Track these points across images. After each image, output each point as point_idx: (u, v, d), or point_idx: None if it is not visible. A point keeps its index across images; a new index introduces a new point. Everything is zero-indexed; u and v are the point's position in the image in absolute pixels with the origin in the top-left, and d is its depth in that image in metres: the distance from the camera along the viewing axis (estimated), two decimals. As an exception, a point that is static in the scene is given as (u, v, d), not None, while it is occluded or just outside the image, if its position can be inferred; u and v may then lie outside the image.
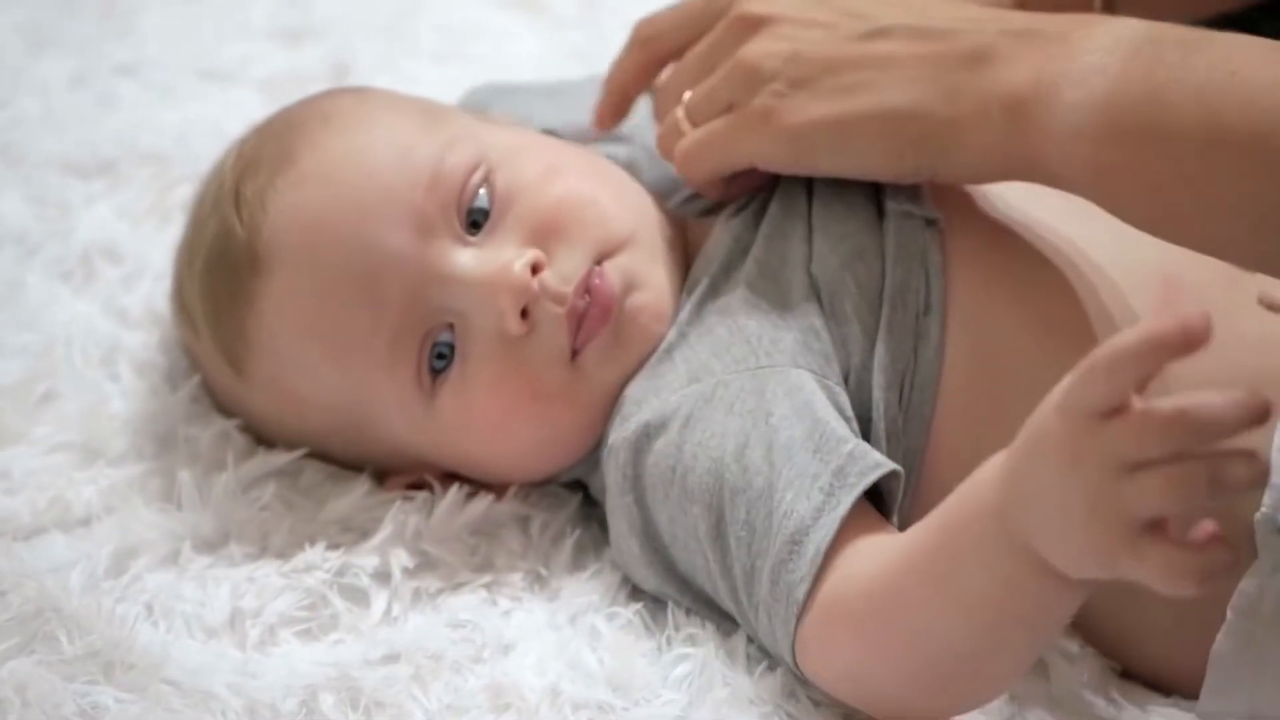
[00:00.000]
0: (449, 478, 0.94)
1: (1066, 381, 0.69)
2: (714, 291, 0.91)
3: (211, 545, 0.91)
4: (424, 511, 0.91)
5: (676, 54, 0.96)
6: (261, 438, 0.96)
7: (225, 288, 0.92)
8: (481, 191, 0.90)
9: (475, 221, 0.90)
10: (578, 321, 0.89)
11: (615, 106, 0.99)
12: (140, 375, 1.00)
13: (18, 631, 0.84)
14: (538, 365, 0.89)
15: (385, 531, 0.90)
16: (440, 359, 0.90)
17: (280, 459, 0.95)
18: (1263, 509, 0.82)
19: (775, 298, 0.88)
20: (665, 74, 0.97)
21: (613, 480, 0.88)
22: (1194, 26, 0.83)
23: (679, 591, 0.87)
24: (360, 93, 0.99)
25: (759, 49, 0.89)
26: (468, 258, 0.89)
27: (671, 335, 0.90)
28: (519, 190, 0.91)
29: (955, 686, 0.78)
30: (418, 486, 0.94)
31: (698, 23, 0.94)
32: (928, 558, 0.76)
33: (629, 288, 0.90)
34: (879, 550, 0.79)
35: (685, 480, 0.85)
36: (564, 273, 0.89)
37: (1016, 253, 0.89)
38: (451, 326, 0.89)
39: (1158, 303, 0.87)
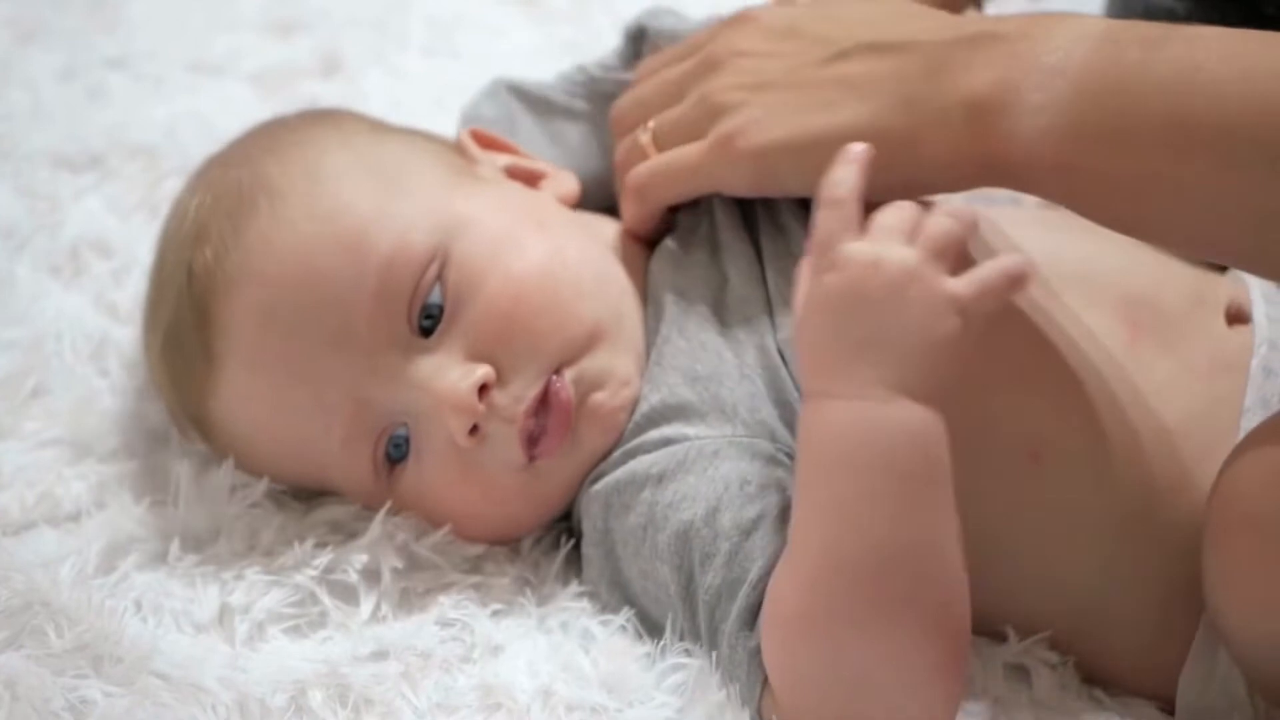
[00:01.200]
0: None
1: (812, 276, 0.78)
2: (668, 345, 0.89)
3: (201, 543, 0.91)
4: (414, 531, 0.90)
5: None
6: None
7: (184, 371, 0.91)
8: (434, 292, 0.88)
9: (430, 314, 0.88)
10: (529, 436, 0.87)
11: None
12: (130, 370, 1.00)
13: (6, 625, 0.84)
14: (491, 473, 0.88)
15: (374, 533, 0.89)
16: (397, 448, 0.89)
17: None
18: None
19: (744, 365, 0.87)
20: (625, 99, 0.97)
21: (587, 530, 0.89)
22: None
23: (652, 630, 0.87)
24: (317, 151, 0.91)
25: (724, 81, 0.89)
26: (420, 369, 0.87)
27: (640, 418, 0.88)
28: (474, 290, 0.87)
29: (920, 608, 0.76)
30: None
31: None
32: (826, 506, 0.77)
33: (597, 386, 0.88)
34: (777, 575, 0.80)
35: (655, 540, 0.84)
36: (515, 392, 0.87)
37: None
38: (406, 424, 0.88)
39: (1120, 322, 0.87)
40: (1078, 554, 0.85)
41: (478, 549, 0.91)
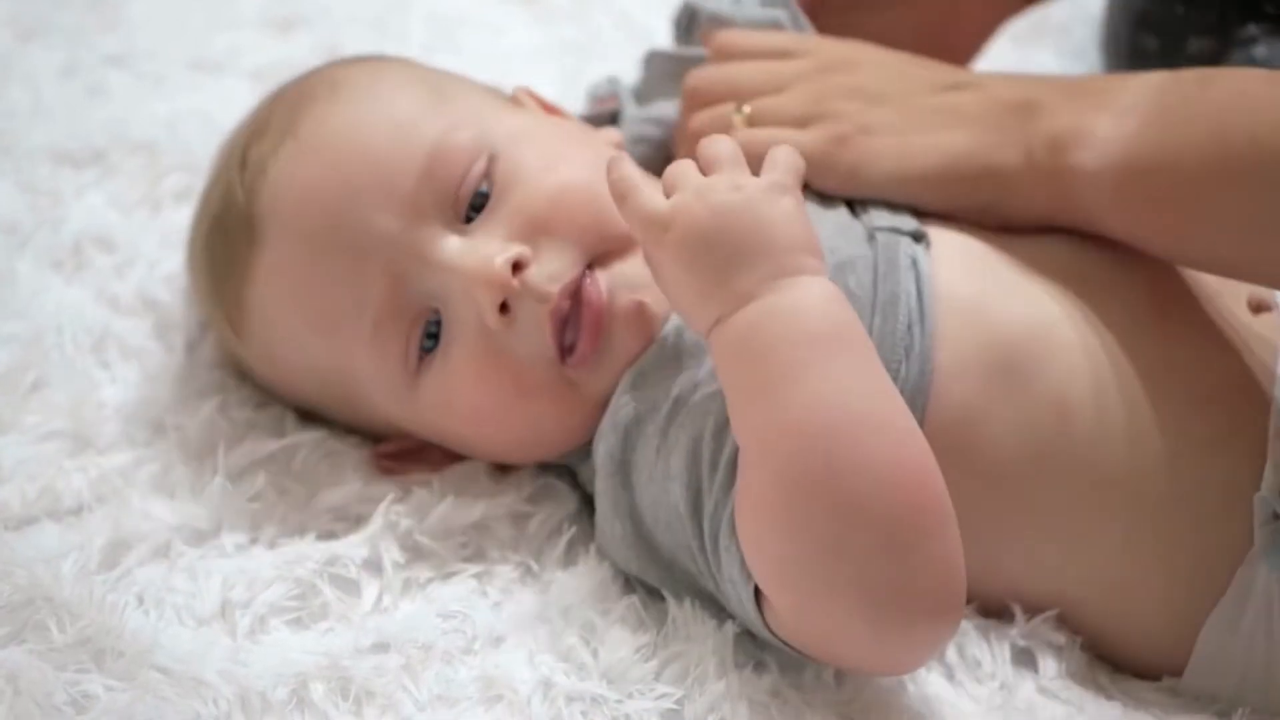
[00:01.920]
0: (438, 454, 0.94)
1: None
2: None
3: (203, 535, 0.91)
4: (417, 515, 0.90)
5: None
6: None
7: (225, 254, 0.93)
8: (483, 183, 0.90)
9: (476, 205, 0.90)
10: (562, 323, 0.88)
11: None
12: (130, 363, 1.00)
13: (8, 621, 0.84)
14: (521, 361, 0.89)
15: (377, 524, 0.89)
16: (431, 339, 0.90)
17: (271, 445, 0.95)
18: (1260, 492, 0.83)
19: None
20: (709, 74, 0.98)
21: (601, 462, 0.89)
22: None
23: (660, 576, 0.87)
24: (377, 63, 0.99)
25: (842, 86, 0.94)
26: (453, 246, 0.89)
27: (669, 331, 0.90)
28: (518, 180, 0.90)
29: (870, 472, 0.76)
30: (412, 459, 0.94)
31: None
32: (756, 403, 0.79)
33: (624, 291, 0.89)
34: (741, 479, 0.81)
35: (669, 459, 0.85)
36: (551, 272, 0.88)
37: (1002, 263, 0.90)
38: (438, 311, 0.89)
39: (1148, 295, 0.89)
40: (1102, 519, 0.85)
41: (478, 521, 0.90)
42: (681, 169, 0.84)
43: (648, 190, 0.84)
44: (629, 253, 0.90)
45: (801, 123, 0.94)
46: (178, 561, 0.89)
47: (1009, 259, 0.90)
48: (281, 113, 0.94)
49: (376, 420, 0.94)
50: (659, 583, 0.87)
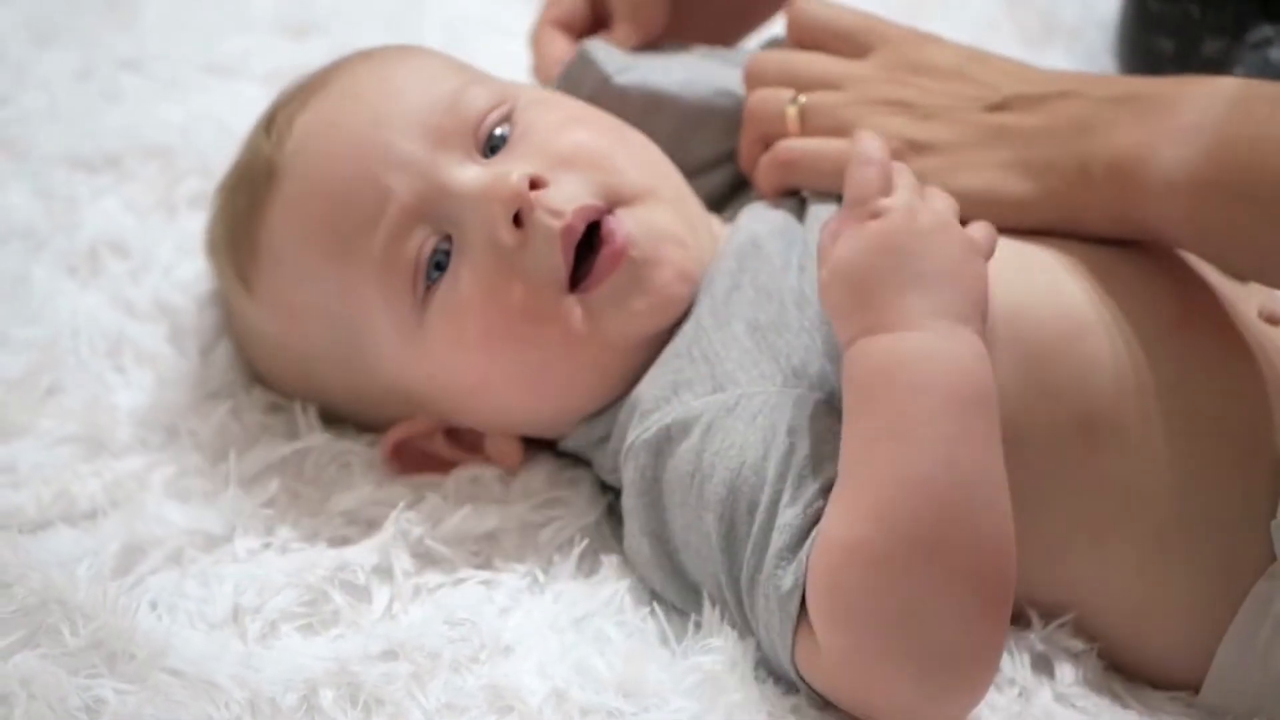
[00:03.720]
0: (449, 436, 0.94)
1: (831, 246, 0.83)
2: (738, 288, 0.90)
3: (216, 541, 0.91)
4: (429, 522, 0.91)
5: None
6: (270, 382, 0.98)
7: (245, 199, 0.94)
8: (502, 126, 0.92)
9: (494, 147, 0.92)
10: (576, 247, 0.89)
11: None
12: (145, 368, 1.00)
13: (23, 624, 0.84)
14: (530, 283, 0.88)
15: (388, 531, 0.90)
16: (437, 269, 0.90)
17: (284, 449, 0.95)
18: (1279, 515, 0.83)
19: (805, 320, 0.88)
20: (772, 58, 0.99)
21: (630, 479, 0.88)
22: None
23: (684, 597, 0.87)
24: (405, 46, 1.01)
25: (901, 92, 0.94)
26: (471, 170, 0.90)
27: (689, 329, 0.90)
28: (537, 130, 0.92)
29: (967, 551, 0.77)
30: (421, 462, 0.94)
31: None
32: (882, 437, 0.78)
33: (652, 238, 0.90)
34: (830, 516, 0.80)
35: (703, 487, 0.84)
36: (567, 194, 0.89)
37: (1036, 265, 0.89)
38: (450, 239, 0.90)
39: (1175, 316, 0.88)
40: (1121, 534, 0.85)
41: (490, 530, 0.90)
42: (909, 182, 0.85)
43: (885, 174, 0.85)
44: (651, 201, 0.91)
45: (848, 129, 0.93)
46: (190, 568, 0.89)
47: (1043, 259, 0.89)
48: (312, 80, 0.96)
49: (379, 386, 0.93)
50: (682, 602, 0.87)
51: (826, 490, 0.81)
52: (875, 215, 0.82)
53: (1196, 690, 0.85)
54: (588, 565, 0.90)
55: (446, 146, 0.91)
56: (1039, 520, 0.84)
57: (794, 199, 0.96)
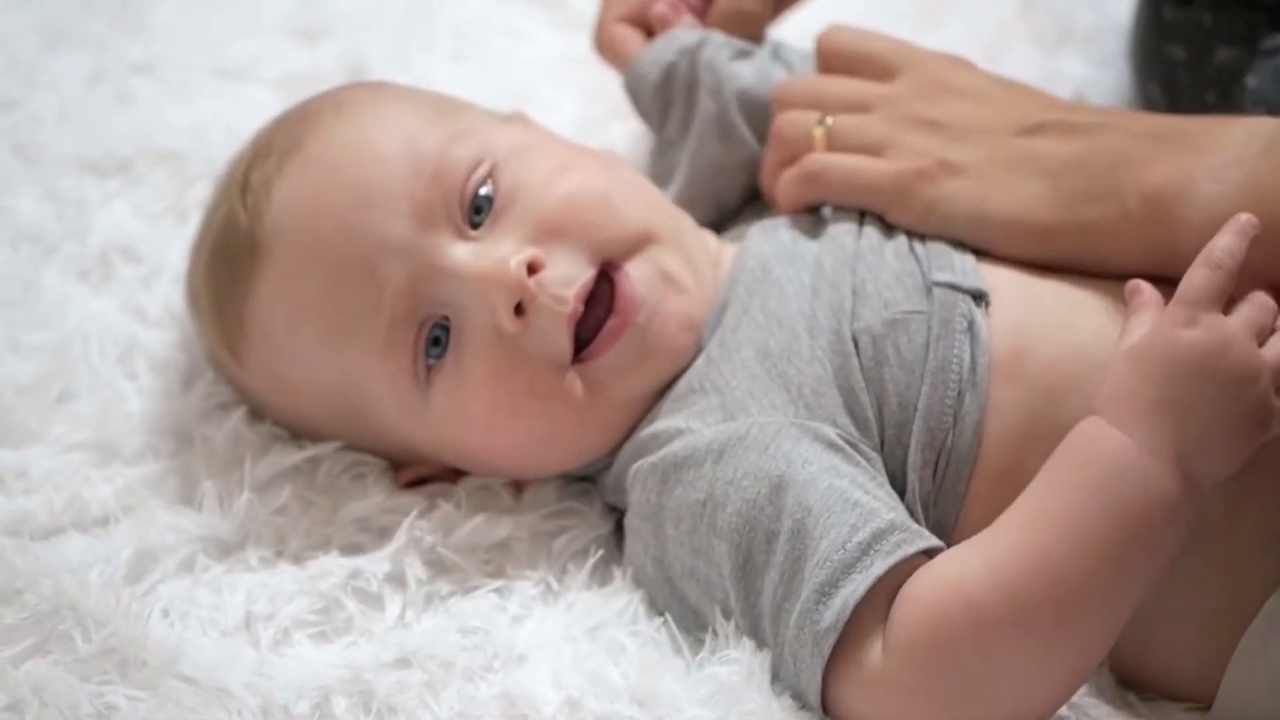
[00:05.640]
0: (458, 472, 0.94)
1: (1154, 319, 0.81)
2: (747, 313, 0.90)
3: (228, 549, 0.91)
4: (441, 531, 0.90)
5: None
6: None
7: (227, 273, 0.92)
8: (485, 186, 0.90)
9: (479, 208, 0.90)
10: (577, 323, 0.88)
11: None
12: (157, 374, 1.00)
13: (35, 631, 0.84)
14: (534, 364, 0.88)
15: (401, 539, 0.89)
16: (435, 345, 0.89)
17: (295, 456, 0.94)
18: None
19: (817, 348, 0.88)
20: (801, 84, 0.99)
21: (636, 501, 0.88)
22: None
23: (683, 619, 0.87)
24: (377, 86, 0.99)
25: (932, 113, 0.93)
26: (465, 251, 0.89)
27: (700, 364, 0.89)
28: (523, 188, 0.90)
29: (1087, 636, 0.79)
30: (433, 480, 0.94)
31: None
32: (1056, 517, 0.78)
33: (656, 291, 0.89)
34: (962, 562, 0.80)
35: (715, 516, 0.84)
36: (564, 275, 0.88)
37: (1052, 298, 0.89)
38: (447, 319, 0.89)
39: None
40: None
41: (502, 540, 0.90)
42: (1250, 317, 0.81)
43: (1226, 285, 0.82)
44: (653, 244, 0.90)
45: (877, 149, 0.93)
46: (202, 575, 0.89)
47: (1053, 295, 0.89)
48: (284, 136, 0.93)
49: (391, 443, 0.94)
50: (680, 620, 0.87)
51: (858, 527, 0.81)
52: (1194, 324, 0.80)
53: (1208, 706, 0.85)
54: (600, 575, 0.90)
55: (435, 224, 0.89)
56: None
57: (808, 217, 0.95)
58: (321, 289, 0.89)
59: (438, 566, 0.90)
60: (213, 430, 0.96)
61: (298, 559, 0.90)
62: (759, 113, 1.01)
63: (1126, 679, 0.87)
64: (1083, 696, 0.85)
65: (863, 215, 0.93)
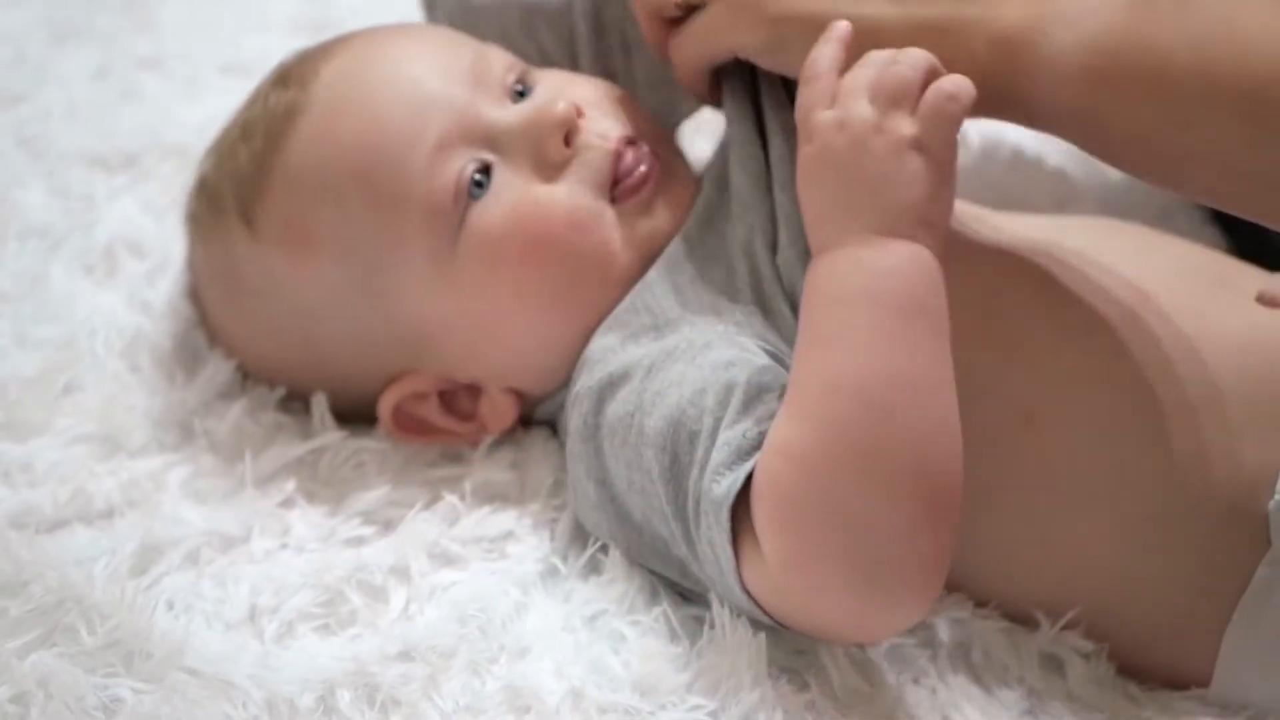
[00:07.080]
0: (444, 400, 0.95)
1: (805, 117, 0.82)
2: (687, 250, 0.92)
3: (233, 541, 0.91)
4: (445, 522, 0.91)
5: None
6: (252, 364, 0.98)
7: (261, 133, 0.94)
8: (519, 86, 0.95)
9: (520, 92, 0.94)
10: (619, 154, 0.92)
11: None
12: (162, 367, 1.00)
13: (40, 624, 0.84)
14: (574, 193, 0.91)
15: (404, 531, 0.90)
16: (478, 184, 0.91)
17: (299, 449, 0.95)
18: (1276, 497, 0.82)
19: (743, 277, 0.89)
20: None
21: (575, 426, 0.89)
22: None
23: (630, 540, 0.87)
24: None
25: None
26: (512, 109, 0.93)
27: (637, 286, 0.92)
28: (553, 85, 0.95)
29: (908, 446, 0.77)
30: (422, 433, 0.95)
31: None
32: (821, 349, 0.80)
33: (671, 161, 0.95)
34: (774, 430, 0.80)
35: (643, 425, 0.85)
36: (602, 126, 0.93)
37: (987, 273, 0.89)
38: (489, 166, 0.91)
39: (1124, 293, 0.87)
40: (1102, 526, 0.85)
41: (506, 531, 0.90)
42: (855, 84, 0.82)
43: (826, 90, 0.83)
44: (661, 141, 0.95)
45: None
46: (206, 568, 0.89)
47: (994, 267, 0.89)
48: (323, 47, 0.97)
49: (393, 322, 0.93)
50: (627, 548, 0.87)
51: (769, 417, 0.81)
52: (809, 137, 0.83)
53: (1209, 685, 0.85)
54: (598, 564, 0.90)
55: (484, 88, 0.93)
56: (1016, 522, 0.85)
57: (717, 160, 0.97)
58: (362, 121, 0.91)
59: (442, 558, 0.90)
60: (216, 423, 0.97)
61: (302, 551, 0.90)
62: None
63: (1125, 668, 0.87)
64: (1082, 686, 0.85)
65: (763, 132, 0.94)
